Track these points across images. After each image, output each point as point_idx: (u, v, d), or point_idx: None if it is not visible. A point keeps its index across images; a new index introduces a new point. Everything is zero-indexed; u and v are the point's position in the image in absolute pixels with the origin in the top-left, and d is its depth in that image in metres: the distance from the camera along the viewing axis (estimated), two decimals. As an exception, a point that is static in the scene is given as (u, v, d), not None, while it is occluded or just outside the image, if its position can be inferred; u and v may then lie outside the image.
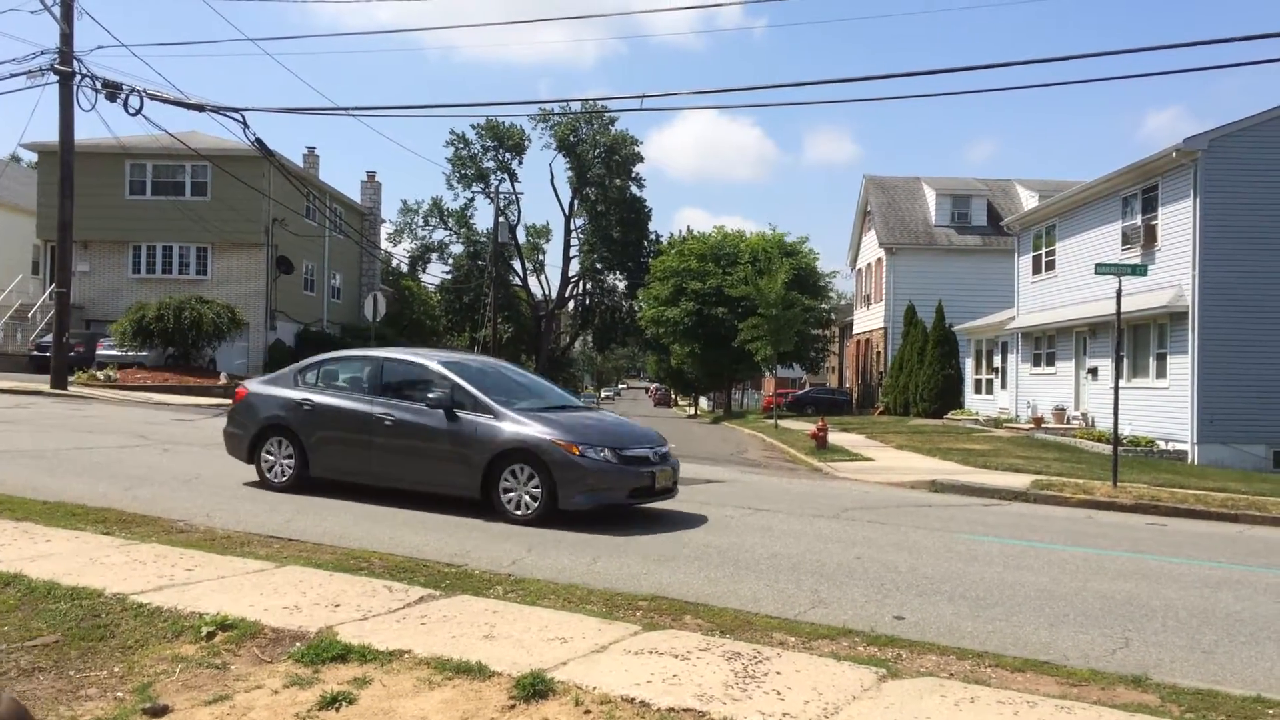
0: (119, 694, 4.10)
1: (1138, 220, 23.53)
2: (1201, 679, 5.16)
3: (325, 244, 41.44)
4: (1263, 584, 8.08)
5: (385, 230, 58.05)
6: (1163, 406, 22.23)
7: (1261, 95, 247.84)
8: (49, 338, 27.21)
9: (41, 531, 6.91)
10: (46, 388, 22.67)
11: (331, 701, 3.99)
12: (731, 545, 8.34)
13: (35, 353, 31.53)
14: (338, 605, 5.33)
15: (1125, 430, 20.93)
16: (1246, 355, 20.94)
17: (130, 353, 29.44)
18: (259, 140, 24.13)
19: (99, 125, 47.49)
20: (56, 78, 22.38)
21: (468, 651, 4.58)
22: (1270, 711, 4.52)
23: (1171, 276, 21.81)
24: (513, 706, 4.00)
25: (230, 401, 12.04)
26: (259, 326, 35.37)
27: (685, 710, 3.96)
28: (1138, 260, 21.87)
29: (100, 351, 30.52)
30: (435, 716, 3.89)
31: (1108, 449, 17.73)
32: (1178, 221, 21.76)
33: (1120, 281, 15.76)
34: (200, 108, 22.17)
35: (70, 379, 24.31)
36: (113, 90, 21.74)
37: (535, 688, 4.12)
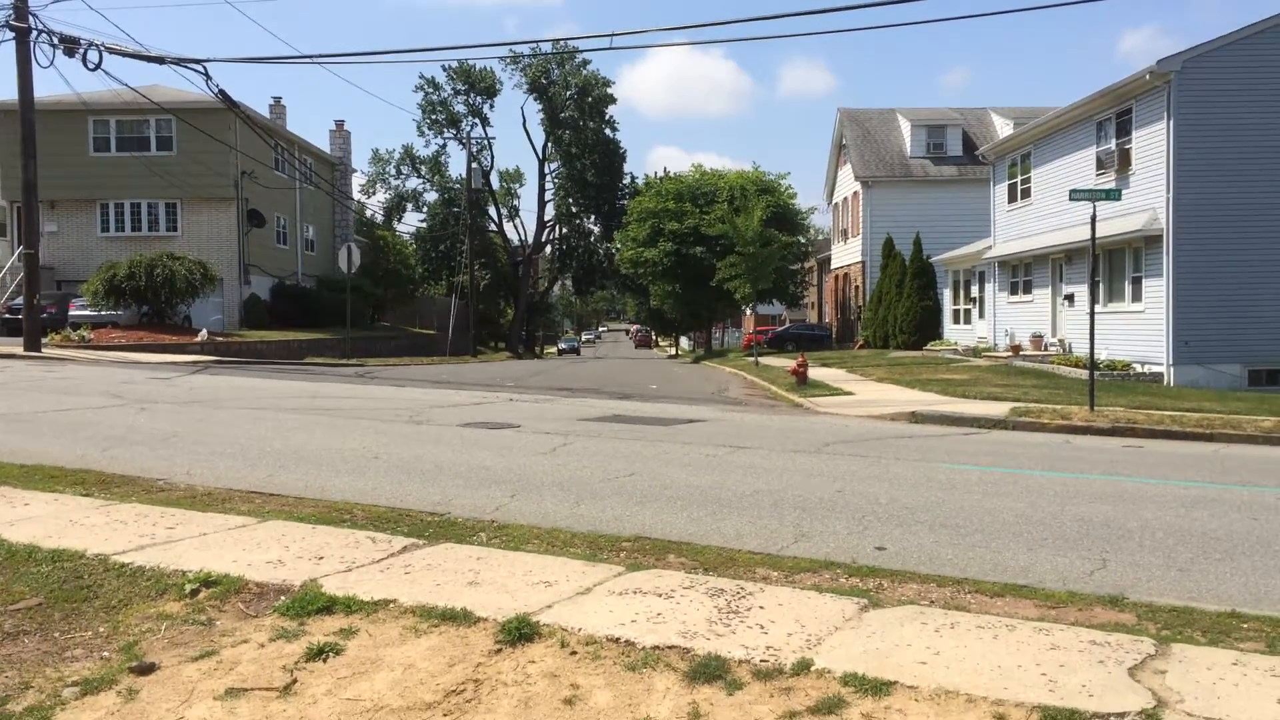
0: (105, 654, 4.10)
1: (1112, 145, 23.48)
2: (1178, 597, 5.25)
3: (297, 196, 40.93)
4: (1237, 501, 8.22)
5: (357, 180, 57.37)
6: (1139, 330, 22.41)
7: (1240, 11, 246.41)
8: (20, 300, 26.84)
9: (20, 495, 6.87)
10: (20, 350, 22.43)
11: (319, 653, 4.01)
12: (714, 484, 8.38)
13: (7, 315, 31.12)
14: (321, 558, 5.33)
15: (1102, 355, 21.13)
16: (1220, 276, 21.06)
17: (103, 312, 29.17)
18: (222, 92, 23.73)
19: (59, 82, 46.39)
20: (12, 34, 21.81)
21: (453, 599, 4.60)
22: (1245, 625, 4.60)
23: (1146, 200, 21.84)
24: (499, 650, 4.03)
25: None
26: (233, 281, 35.05)
27: (670, 648, 4.00)
28: (1112, 185, 21.85)
29: (73, 312, 30.20)
30: (422, 664, 3.92)
31: (1085, 374, 17.92)
32: (1152, 145, 21.74)
33: (1094, 207, 15.77)
34: (160, 60, 21.74)
35: (44, 341, 24.06)
36: (70, 45, 21.27)
37: (521, 631, 4.15)
